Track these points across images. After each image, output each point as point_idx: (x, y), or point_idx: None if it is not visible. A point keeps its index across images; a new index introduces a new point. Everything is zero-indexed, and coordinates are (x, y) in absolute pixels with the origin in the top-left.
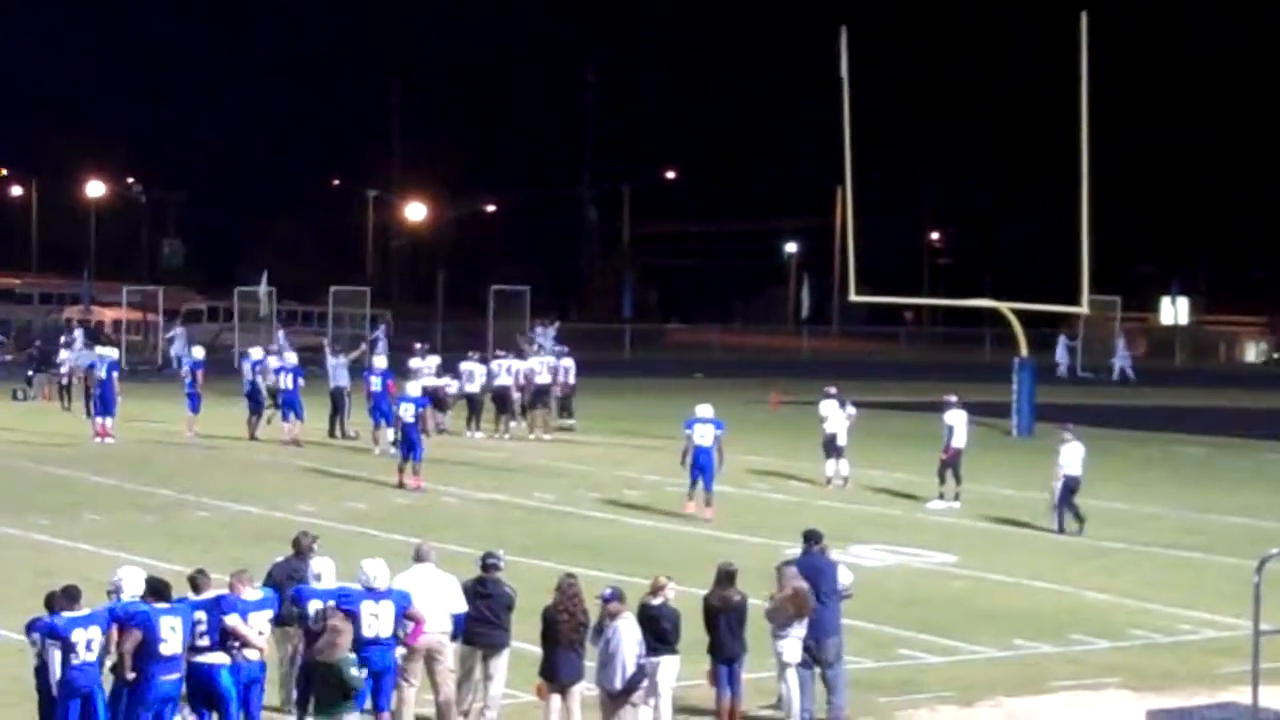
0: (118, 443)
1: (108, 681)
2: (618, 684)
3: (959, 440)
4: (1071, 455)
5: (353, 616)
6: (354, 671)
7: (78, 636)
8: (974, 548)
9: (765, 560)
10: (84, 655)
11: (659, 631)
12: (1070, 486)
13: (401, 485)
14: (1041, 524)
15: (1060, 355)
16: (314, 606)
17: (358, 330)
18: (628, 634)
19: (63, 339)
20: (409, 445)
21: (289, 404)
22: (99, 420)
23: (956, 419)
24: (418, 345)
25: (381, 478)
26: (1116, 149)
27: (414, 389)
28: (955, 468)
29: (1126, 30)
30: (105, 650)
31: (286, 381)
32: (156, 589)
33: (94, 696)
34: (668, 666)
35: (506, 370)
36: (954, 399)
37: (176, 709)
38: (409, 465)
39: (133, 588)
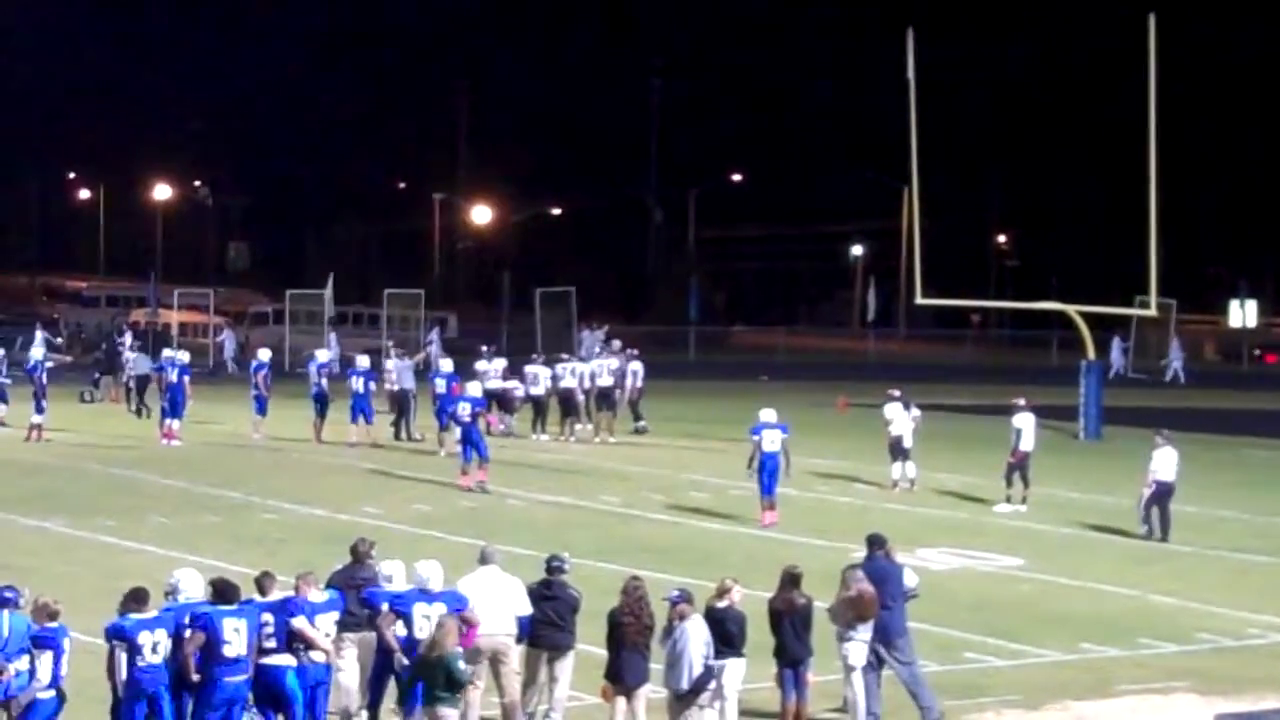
0: (183, 445)
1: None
2: (684, 684)
3: (1027, 443)
4: (1164, 460)
5: (405, 618)
6: (462, 665)
7: (144, 639)
8: (1041, 551)
9: (830, 563)
10: (150, 657)
11: (724, 634)
12: (1162, 491)
13: (468, 489)
14: (1132, 528)
15: (1115, 357)
16: (386, 609)
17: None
18: (695, 635)
19: (125, 342)
20: (469, 444)
21: (360, 407)
22: (165, 422)
23: (1025, 422)
24: (484, 348)
25: (447, 480)
26: (1185, 151)
27: (474, 389)
28: (1024, 471)
29: (1195, 31)
30: (173, 653)
31: (358, 385)
32: (221, 591)
33: (160, 698)
34: (733, 670)
35: (571, 372)
36: (1022, 402)
37: (244, 710)
38: (473, 464)
39: (190, 589)
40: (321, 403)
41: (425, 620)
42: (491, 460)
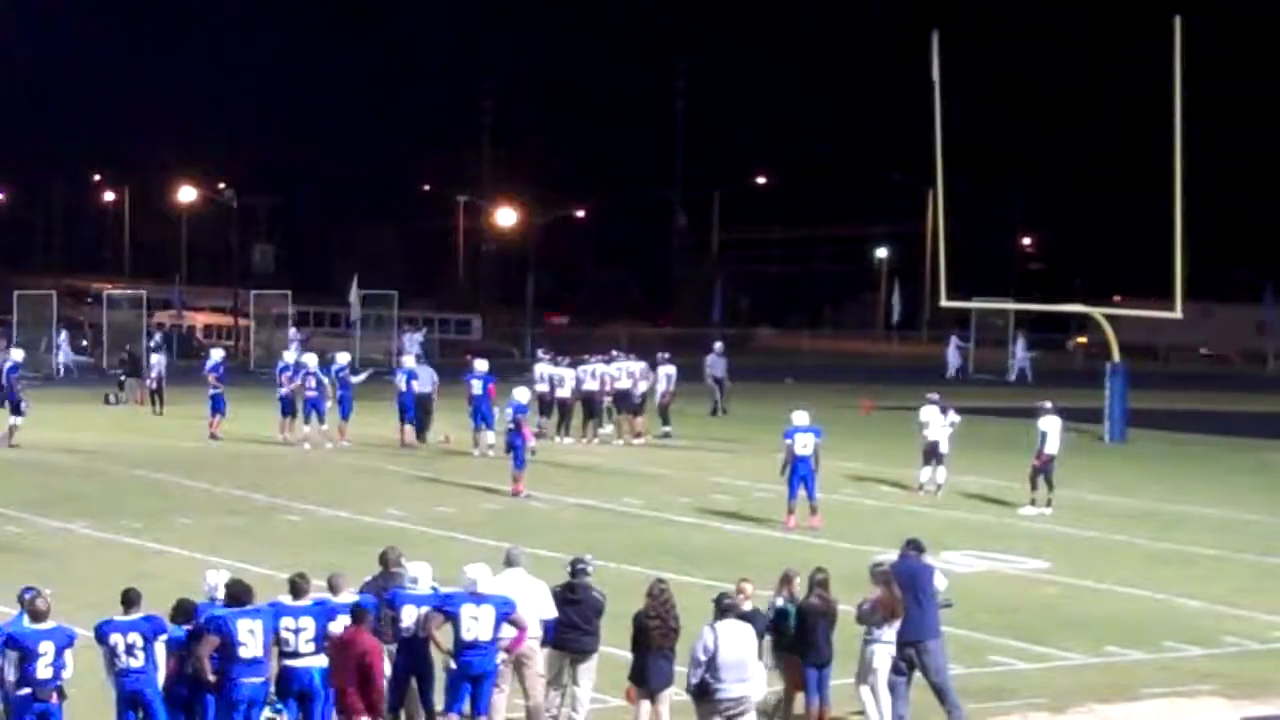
0: (202, 446)
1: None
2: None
3: (1052, 446)
4: None
5: (453, 619)
6: None
7: (115, 640)
8: (1065, 554)
9: (853, 566)
10: (126, 659)
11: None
12: None
13: (518, 494)
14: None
15: (951, 356)
16: (408, 611)
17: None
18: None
19: (152, 344)
20: (512, 450)
21: (403, 407)
22: (214, 419)
23: (1050, 424)
24: (540, 351)
25: (470, 482)
26: (1213, 152)
27: (520, 395)
28: (1048, 474)
29: (1222, 31)
30: (150, 655)
31: (401, 384)
32: (235, 594)
33: (149, 701)
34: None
35: (592, 375)
36: (1048, 405)
37: (262, 710)
38: (524, 470)
39: (220, 591)
40: (344, 405)
41: (474, 621)
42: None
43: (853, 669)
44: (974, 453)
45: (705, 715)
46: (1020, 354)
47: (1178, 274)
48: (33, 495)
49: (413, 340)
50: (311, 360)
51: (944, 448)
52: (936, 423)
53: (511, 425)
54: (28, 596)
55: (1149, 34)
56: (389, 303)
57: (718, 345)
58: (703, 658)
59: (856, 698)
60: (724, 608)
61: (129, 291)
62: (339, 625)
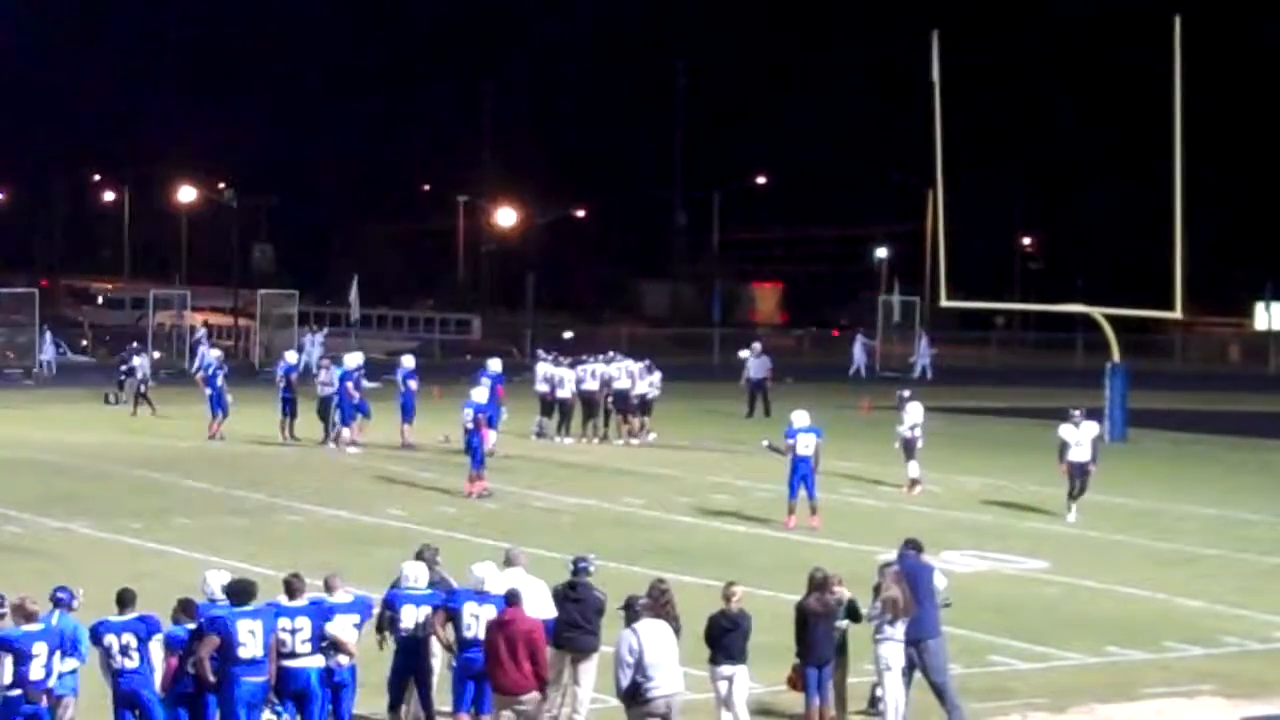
0: (202, 446)
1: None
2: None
3: (1074, 455)
4: None
5: (455, 616)
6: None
7: (110, 641)
8: (1065, 554)
9: (853, 566)
10: (121, 660)
11: (738, 639)
12: None
13: (470, 495)
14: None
15: (857, 354)
16: (407, 612)
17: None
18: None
19: (134, 345)
20: (470, 450)
21: (404, 408)
22: (214, 419)
23: (1068, 433)
24: (540, 351)
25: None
26: (1213, 152)
27: (478, 395)
28: (1072, 481)
29: (1222, 32)
30: (146, 655)
31: (403, 385)
32: (235, 592)
33: (147, 702)
34: (741, 677)
35: (592, 375)
36: (1077, 412)
37: (262, 710)
38: (483, 470)
39: (219, 591)
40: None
41: (475, 620)
42: (513, 462)
43: (861, 668)
44: (974, 452)
45: (637, 718)
46: (923, 351)
47: (1177, 274)
48: (33, 495)
49: (314, 342)
50: (353, 361)
51: (921, 443)
52: (921, 419)
53: (470, 425)
54: (60, 595)
55: (1151, 31)
56: (289, 302)
57: (755, 345)
58: (630, 659)
59: (870, 695)
60: (635, 610)
61: (11, 290)
62: (335, 626)
